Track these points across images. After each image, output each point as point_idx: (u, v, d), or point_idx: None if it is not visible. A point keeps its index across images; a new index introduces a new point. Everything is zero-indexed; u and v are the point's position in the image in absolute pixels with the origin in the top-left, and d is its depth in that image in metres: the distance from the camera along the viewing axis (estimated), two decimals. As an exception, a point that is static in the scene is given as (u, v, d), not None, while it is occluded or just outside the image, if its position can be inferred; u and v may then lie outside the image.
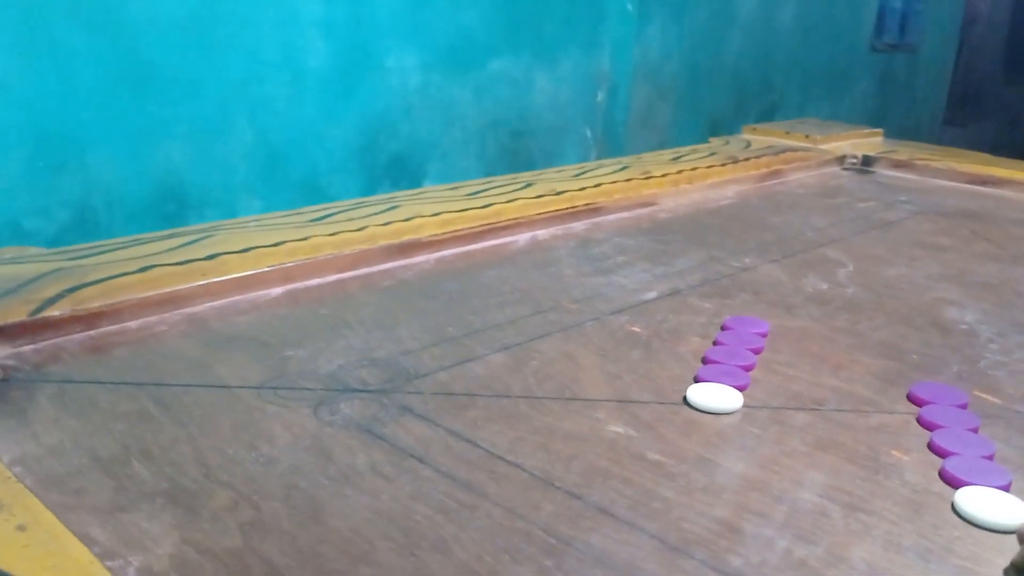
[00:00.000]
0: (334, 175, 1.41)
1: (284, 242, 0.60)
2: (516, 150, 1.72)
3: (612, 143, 1.91)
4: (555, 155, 1.81)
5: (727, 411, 0.44)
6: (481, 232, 0.68)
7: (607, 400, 0.45)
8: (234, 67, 1.24)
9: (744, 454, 0.41)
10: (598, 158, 1.89)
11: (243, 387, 0.43)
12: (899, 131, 3.36)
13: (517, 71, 1.68)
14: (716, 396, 0.45)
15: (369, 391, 0.44)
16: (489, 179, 0.80)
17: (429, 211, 0.69)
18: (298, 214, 0.68)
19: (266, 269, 0.56)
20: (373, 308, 0.56)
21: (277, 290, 0.57)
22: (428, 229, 0.66)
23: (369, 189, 1.46)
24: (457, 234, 0.67)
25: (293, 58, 1.31)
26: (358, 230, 0.64)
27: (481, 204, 0.72)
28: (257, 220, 0.66)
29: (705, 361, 0.50)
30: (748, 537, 0.34)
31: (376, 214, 0.68)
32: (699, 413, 0.44)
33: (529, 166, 1.75)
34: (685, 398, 0.45)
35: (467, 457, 0.39)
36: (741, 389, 0.46)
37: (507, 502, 0.36)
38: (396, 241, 0.63)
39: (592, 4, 1.79)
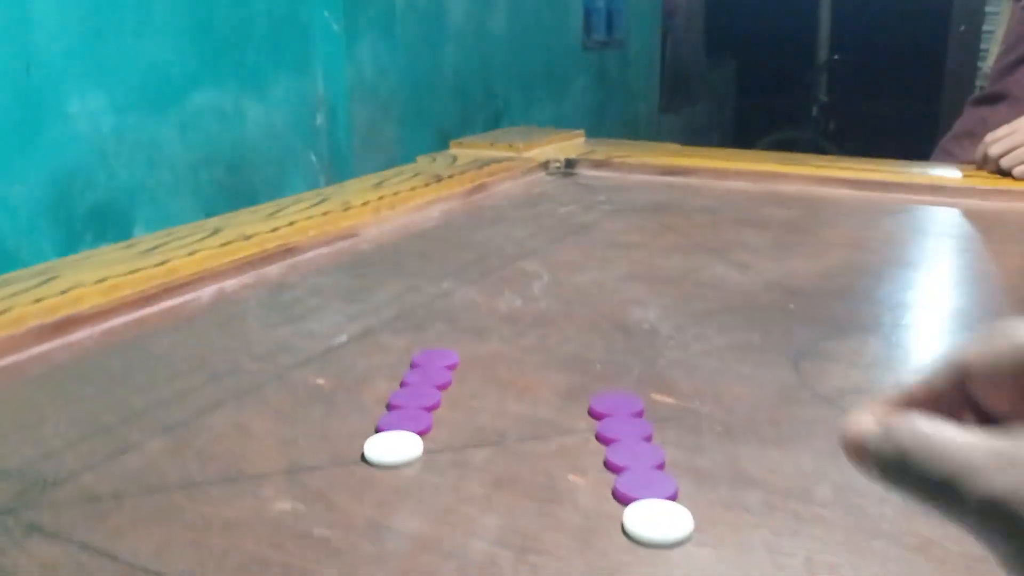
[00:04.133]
0: (23, 237, 1.27)
1: (-97, 341, 0.52)
2: (235, 185, 1.64)
3: (340, 166, 1.87)
4: (280, 186, 1.74)
5: (405, 462, 0.42)
6: (155, 294, 0.63)
7: (277, 473, 0.41)
8: None
9: (420, 509, 0.39)
10: (328, 182, 1.85)
11: None
12: (621, 124, 3.56)
13: (224, 102, 1.60)
14: (393, 447, 0.43)
15: (-9, 513, 0.38)
16: (170, 231, 0.74)
17: (91, 278, 0.62)
18: (-70, 302, 0.59)
19: None
20: (14, 405, 0.49)
21: None
22: (90, 300, 0.59)
23: (69, 246, 1.33)
24: (126, 300, 0.61)
25: (-49, 115, 1.17)
26: (1, 313, 0.56)
27: (155, 262, 0.66)
28: None
29: (389, 407, 0.48)
30: (412, 609, 0.32)
31: (26, 291, 0.60)
32: (377, 470, 0.42)
33: (252, 199, 1.67)
34: (363, 455, 0.43)
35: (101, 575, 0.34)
36: (423, 433, 0.44)
37: (142, 625, 0.31)
38: (48, 320, 0.56)
39: (295, 25, 1.74)
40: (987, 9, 3.11)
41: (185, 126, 1.51)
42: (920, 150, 1.33)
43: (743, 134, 4.55)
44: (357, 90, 1.85)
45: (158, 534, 0.37)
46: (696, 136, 4.21)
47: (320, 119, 1.83)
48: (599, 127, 3.08)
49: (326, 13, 1.75)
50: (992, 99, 1.08)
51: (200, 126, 1.54)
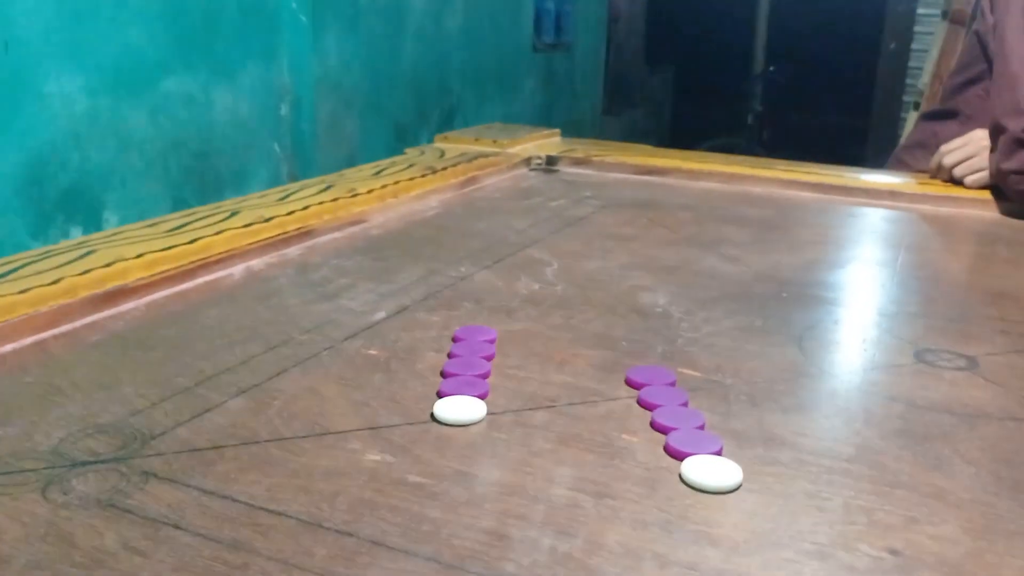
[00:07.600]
0: (-4, 216, 1.26)
1: (-35, 307, 0.54)
2: (202, 171, 1.65)
3: (302, 156, 1.89)
4: (244, 173, 1.75)
5: (473, 421, 0.46)
6: (192, 269, 0.65)
7: (359, 429, 0.45)
8: None
9: (496, 461, 0.43)
10: (289, 172, 1.86)
11: (-49, 482, 0.38)
12: (566, 124, 3.62)
13: (194, 89, 1.60)
14: (460, 409, 0.47)
15: (103, 461, 0.41)
16: (191, 211, 0.77)
17: (131, 253, 0.65)
18: (-25, 272, 0.60)
19: (-51, 341, 0.50)
20: (86, 368, 0.51)
21: (-34, 362, 0.51)
22: (134, 273, 0.62)
23: (40, 226, 1.33)
24: (167, 275, 0.63)
25: (-71, 90, 1.16)
26: (53, 283, 0.58)
27: (187, 240, 0.69)
28: (-76, 284, 0.58)
29: (444, 375, 0.52)
30: (515, 541, 0.36)
31: (70, 263, 0.62)
32: (448, 428, 0.46)
33: (218, 186, 1.68)
34: (432, 415, 0.47)
35: (227, 514, 0.37)
36: (482, 397, 0.49)
37: (278, 553, 0.35)
38: (100, 290, 0.59)
39: (265, 16, 1.75)
40: (916, 29, 3.27)
41: (156, 111, 1.52)
42: (849, 161, 1.39)
43: (680, 139, 4.67)
44: (322, 82, 1.87)
45: (265, 480, 0.40)
46: (635, 139, 4.30)
47: (284, 109, 1.85)
48: (547, 127, 3.14)
49: (294, 4, 1.77)
50: (943, 115, 1.17)
51: (170, 111, 1.55)
